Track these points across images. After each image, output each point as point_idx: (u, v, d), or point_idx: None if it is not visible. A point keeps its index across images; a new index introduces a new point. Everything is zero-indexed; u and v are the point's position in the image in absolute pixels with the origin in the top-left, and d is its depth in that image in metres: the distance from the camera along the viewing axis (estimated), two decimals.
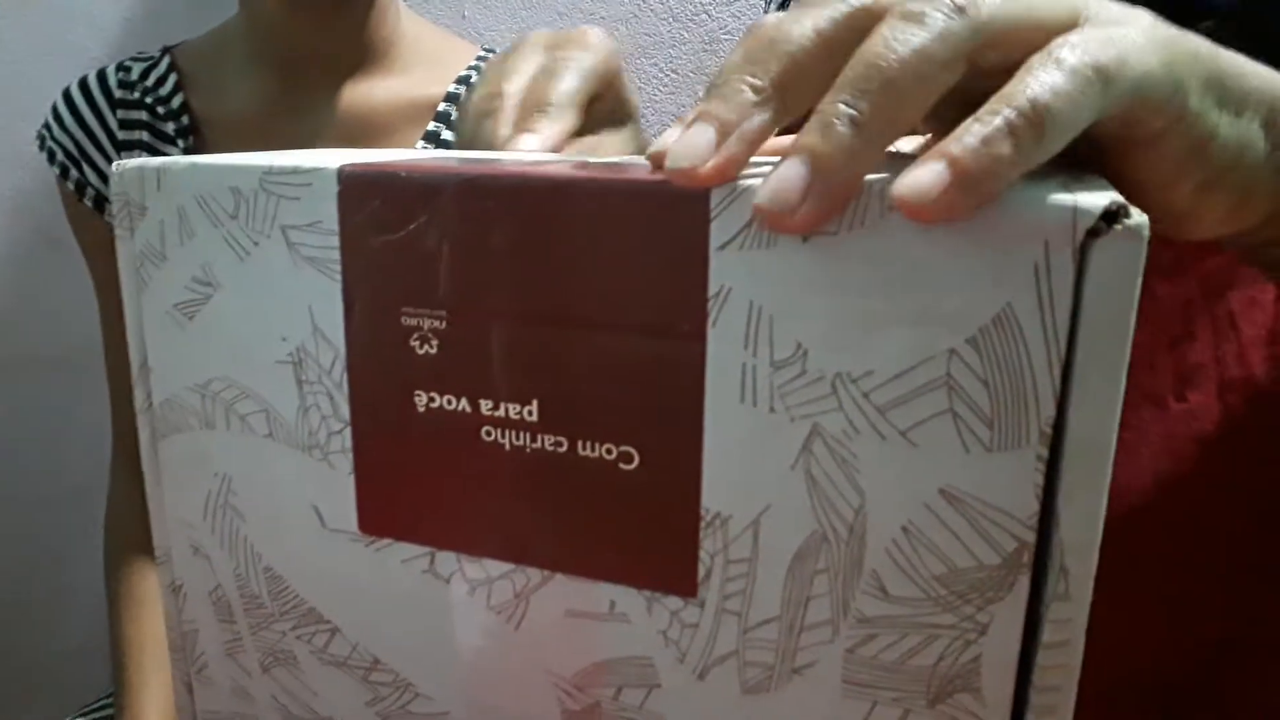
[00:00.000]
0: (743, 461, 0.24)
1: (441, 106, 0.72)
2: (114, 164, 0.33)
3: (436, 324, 0.27)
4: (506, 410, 0.26)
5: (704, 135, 0.23)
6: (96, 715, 0.82)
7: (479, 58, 0.74)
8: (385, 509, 0.30)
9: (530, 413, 0.26)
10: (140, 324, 0.32)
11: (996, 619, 0.22)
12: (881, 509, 0.23)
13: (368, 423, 0.29)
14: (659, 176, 0.24)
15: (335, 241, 0.28)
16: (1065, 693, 0.22)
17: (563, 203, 0.25)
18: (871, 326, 0.22)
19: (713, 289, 0.23)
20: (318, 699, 0.30)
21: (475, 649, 0.29)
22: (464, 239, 0.26)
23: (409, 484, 0.29)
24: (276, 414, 0.30)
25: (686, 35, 0.83)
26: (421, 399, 0.28)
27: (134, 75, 0.74)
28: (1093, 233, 0.19)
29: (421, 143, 0.71)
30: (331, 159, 0.30)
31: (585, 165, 0.29)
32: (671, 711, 0.27)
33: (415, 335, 0.28)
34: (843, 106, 0.21)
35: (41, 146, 0.76)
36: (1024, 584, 0.22)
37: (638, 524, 0.26)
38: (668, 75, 0.83)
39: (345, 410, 0.29)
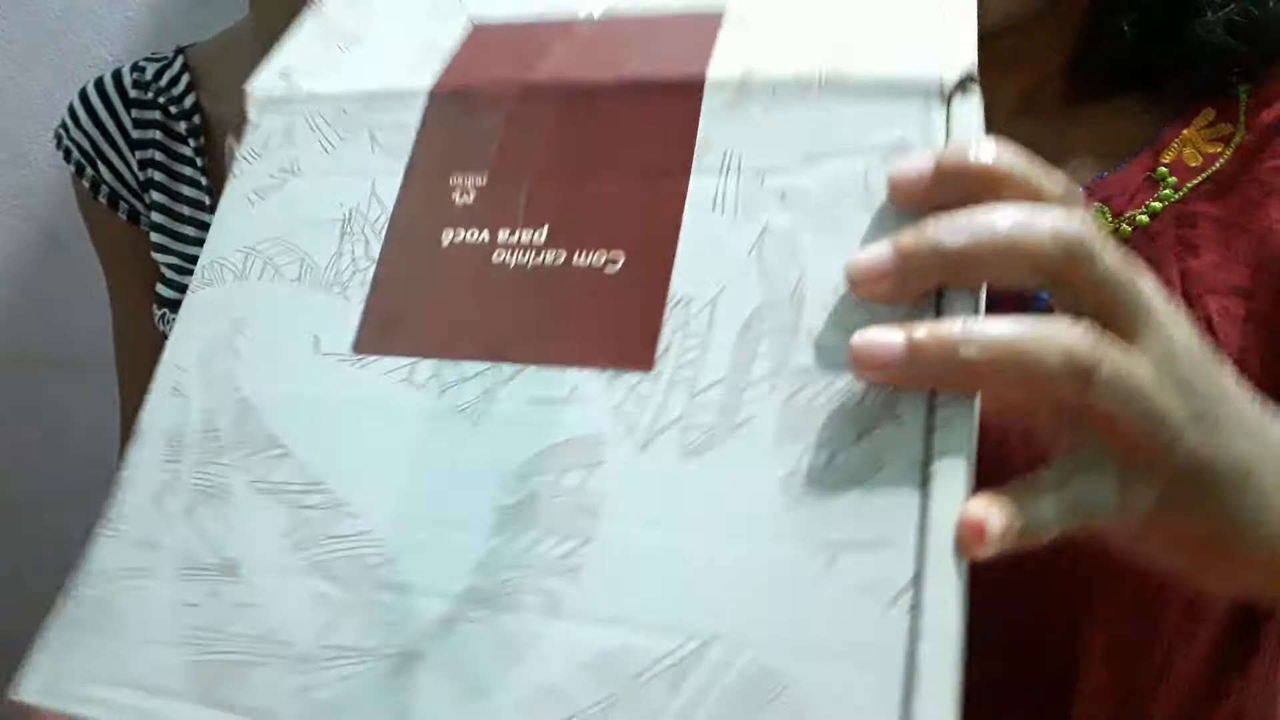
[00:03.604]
0: (708, 255, 0.30)
1: None
2: (248, 87, 0.39)
3: (478, 181, 0.34)
4: (520, 235, 0.32)
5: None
6: None
7: None
8: (383, 328, 0.32)
9: (540, 235, 0.32)
10: (220, 212, 0.37)
11: None
12: (817, 278, 0.28)
13: (393, 256, 0.34)
14: (669, 25, 0.35)
15: (413, 135, 0.36)
16: (964, 409, 0.25)
17: (594, 100, 0.34)
18: (811, 160, 0.30)
19: (698, 142, 0.32)
20: (231, 538, 0.30)
21: (426, 452, 0.30)
22: (515, 129, 0.35)
23: (412, 306, 0.33)
24: (311, 261, 0.34)
25: None
26: (448, 235, 0.33)
27: (148, 75, 0.75)
28: (958, 88, 0.30)
29: None
30: (421, 68, 0.37)
31: (613, 32, 0.37)
32: (608, 487, 0.27)
33: (457, 190, 0.34)
34: (945, 235, 0.26)
35: (58, 145, 0.77)
36: (930, 315, 0.27)
37: (612, 313, 0.30)
38: None
39: (376, 249, 0.34)
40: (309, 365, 0.33)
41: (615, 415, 0.29)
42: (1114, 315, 0.27)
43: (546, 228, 0.32)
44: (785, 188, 0.30)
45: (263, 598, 0.29)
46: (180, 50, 0.77)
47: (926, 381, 0.25)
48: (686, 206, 0.31)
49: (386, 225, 0.34)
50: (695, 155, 0.31)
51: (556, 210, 0.32)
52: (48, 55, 0.96)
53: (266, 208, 0.37)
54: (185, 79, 0.75)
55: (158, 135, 0.74)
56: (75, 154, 0.76)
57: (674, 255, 0.30)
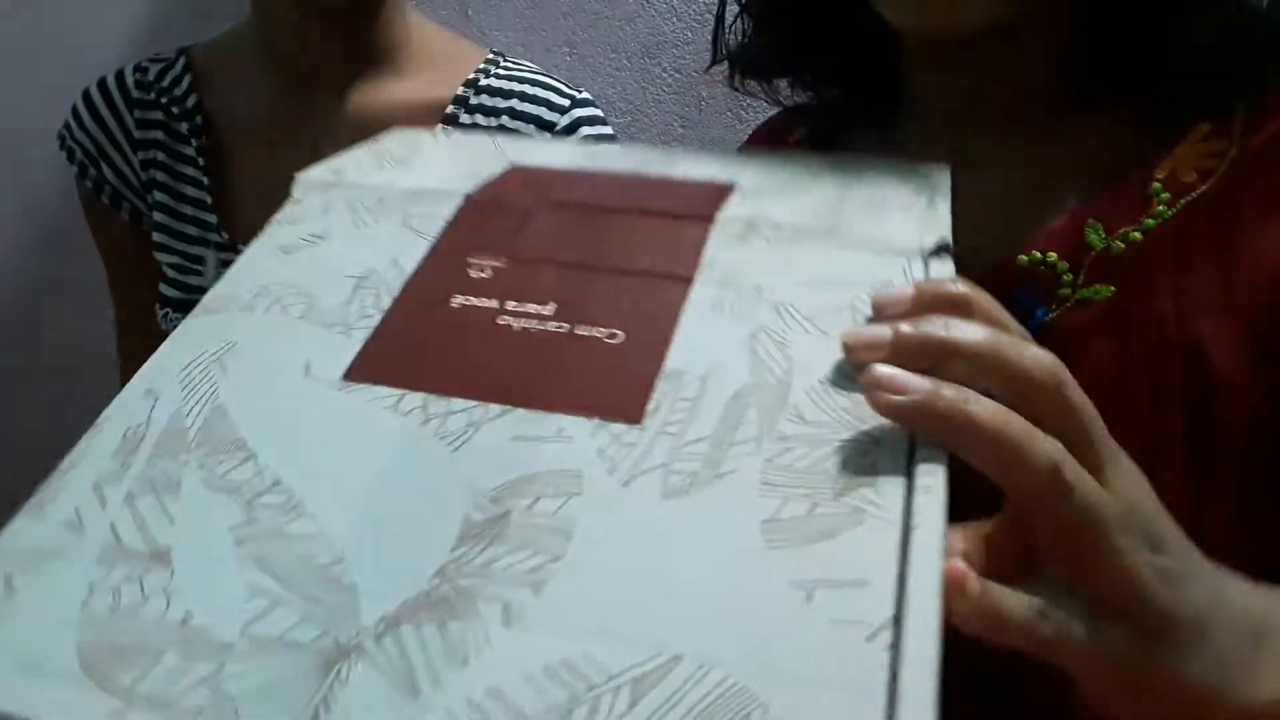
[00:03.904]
0: (704, 341, 0.32)
1: (449, 109, 0.73)
2: (299, 178, 0.43)
3: (496, 263, 0.37)
4: (528, 307, 0.34)
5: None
6: None
7: (487, 60, 0.75)
8: (377, 361, 0.33)
9: (547, 309, 0.34)
10: (242, 260, 0.39)
11: (890, 435, 0.29)
12: (804, 370, 0.31)
13: (402, 309, 0.35)
14: (688, 185, 0.41)
15: (442, 224, 0.39)
16: (938, 478, 0.27)
17: (612, 218, 0.39)
18: (806, 286, 0.34)
19: (704, 260, 0.36)
20: (170, 528, 0.29)
21: (398, 468, 0.30)
22: (538, 230, 0.38)
23: (411, 348, 0.34)
24: (319, 304, 0.36)
25: (691, 35, 0.85)
26: (459, 299, 0.35)
27: (150, 76, 0.75)
28: (932, 254, 0.35)
29: None
30: (459, 177, 0.42)
31: (638, 182, 0.42)
32: (585, 515, 0.28)
33: (474, 267, 0.37)
34: (937, 328, 0.29)
35: (62, 145, 0.77)
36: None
37: (607, 374, 0.32)
38: (671, 75, 0.85)
39: (386, 303, 0.36)
40: (295, 385, 0.33)
41: (599, 455, 0.29)
42: (1081, 448, 0.28)
43: (554, 304, 0.34)
44: (780, 302, 0.34)
45: (188, 584, 0.28)
46: (182, 51, 0.77)
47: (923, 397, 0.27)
48: (687, 304, 0.34)
49: (401, 286, 0.36)
50: (700, 270, 0.35)
51: (566, 292, 0.35)
52: (48, 55, 0.96)
53: (288, 261, 0.38)
54: (187, 79, 0.75)
55: (160, 135, 0.74)
56: (78, 154, 0.76)
57: (671, 338, 0.33)
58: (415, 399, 0.32)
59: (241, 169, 0.74)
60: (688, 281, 0.35)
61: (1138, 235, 0.44)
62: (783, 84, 0.59)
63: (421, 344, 0.34)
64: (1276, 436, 0.41)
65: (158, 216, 0.75)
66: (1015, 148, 0.49)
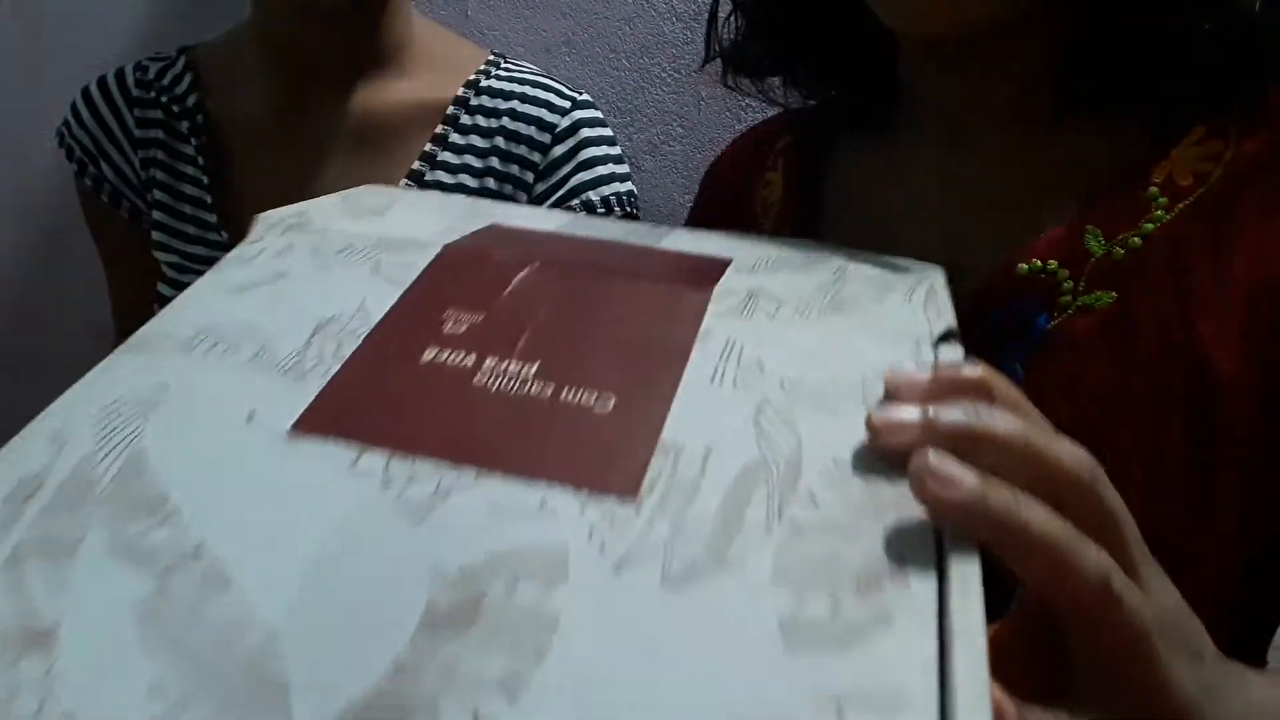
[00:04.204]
0: (704, 413, 0.29)
1: (450, 110, 0.73)
2: (260, 218, 0.39)
3: (473, 318, 0.33)
4: (508, 365, 0.31)
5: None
6: None
7: (488, 62, 0.76)
8: (332, 412, 0.29)
9: (530, 369, 0.31)
10: (185, 295, 0.34)
11: (915, 525, 0.25)
12: (815, 449, 0.28)
13: (365, 359, 0.31)
14: (682, 256, 0.38)
15: (416, 273, 0.35)
16: (974, 578, 0.24)
17: (606, 280, 0.35)
18: (811, 362, 0.31)
19: (702, 329, 0.33)
20: (57, 601, 0.24)
21: (350, 541, 0.25)
22: (523, 288, 0.34)
23: (372, 400, 0.29)
24: (271, 347, 0.32)
25: (689, 35, 0.85)
26: (430, 353, 0.31)
27: (150, 75, 0.75)
28: (941, 339, 0.33)
29: (430, 145, 0.73)
30: (438, 231, 0.38)
31: (628, 250, 0.39)
32: (570, 608, 0.23)
33: (449, 320, 0.33)
34: (969, 415, 0.27)
35: (61, 143, 0.77)
36: None
37: (598, 442, 0.28)
38: (671, 75, 0.85)
39: (348, 351, 0.31)
40: (234, 435, 0.28)
41: (588, 534, 0.25)
42: (1117, 550, 0.27)
43: (538, 363, 0.31)
44: (784, 377, 0.30)
45: (73, 675, 0.22)
46: (183, 50, 0.77)
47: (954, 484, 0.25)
48: (685, 374, 0.30)
49: (366, 334, 0.32)
50: (698, 339, 0.32)
51: (551, 352, 0.31)
52: (48, 55, 0.96)
53: (239, 299, 0.34)
54: (188, 78, 0.75)
55: (160, 134, 0.75)
56: (77, 152, 0.76)
57: (669, 408, 0.29)
58: (375, 458, 0.27)
59: (242, 168, 0.74)
60: (685, 349, 0.31)
61: (1137, 240, 0.44)
62: (775, 83, 0.58)
63: (385, 396, 0.30)
64: (1278, 439, 0.41)
65: (157, 215, 0.75)
66: (1012, 150, 0.48)
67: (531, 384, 0.30)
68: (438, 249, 0.36)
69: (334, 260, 0.36)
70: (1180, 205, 0.43)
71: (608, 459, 0.27)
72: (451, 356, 0.31)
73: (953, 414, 0.27)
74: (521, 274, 0.35)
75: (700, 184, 0.65)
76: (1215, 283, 0.42)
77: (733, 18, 0.56)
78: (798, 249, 0.40)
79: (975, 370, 0.29)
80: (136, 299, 0.78)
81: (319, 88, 0.72)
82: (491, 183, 0.73)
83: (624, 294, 0.34)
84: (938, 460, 0.25)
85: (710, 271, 0.37)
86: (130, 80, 0.76)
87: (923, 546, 0.25)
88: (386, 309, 0.33)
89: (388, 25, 0.72)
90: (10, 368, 1.06)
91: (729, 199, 0.61)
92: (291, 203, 0.71)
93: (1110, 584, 0.26)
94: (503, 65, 0.75)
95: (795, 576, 0.24)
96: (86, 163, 0.76)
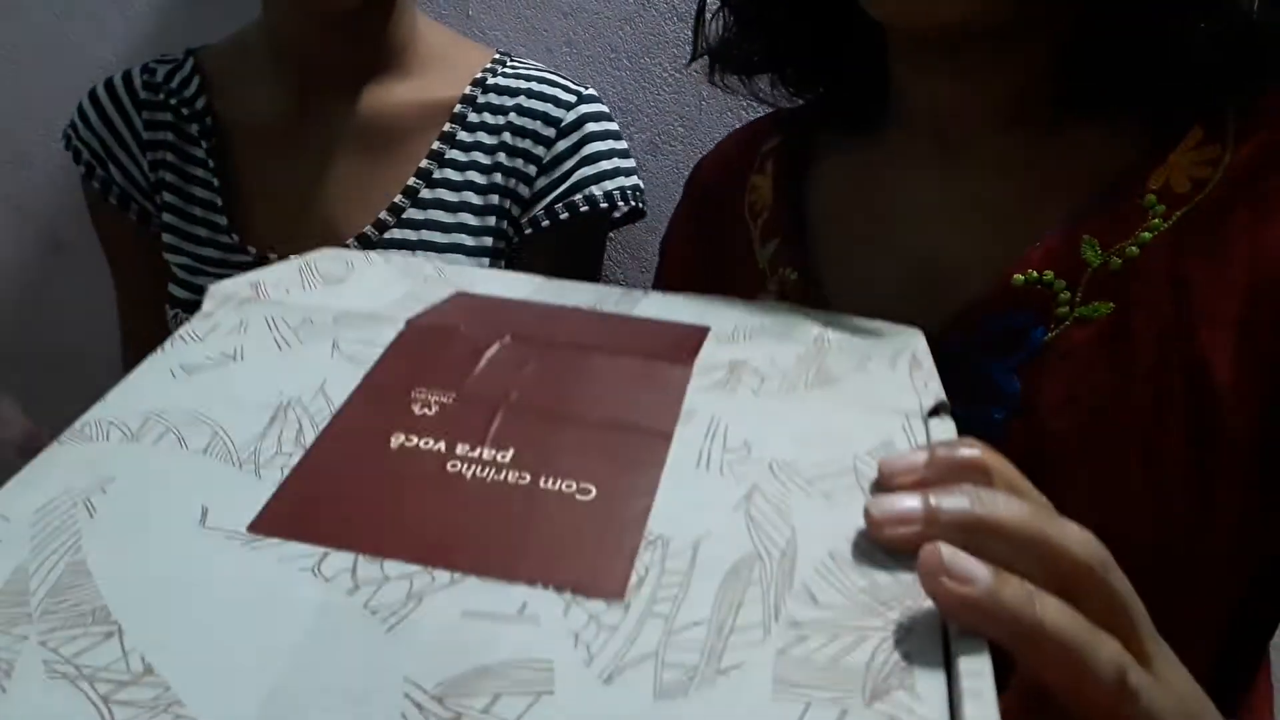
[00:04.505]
0: (690, 502, 0.28)
1: (457, 108, 0.74)
2: (211, 286, 0.37)
3: (443, 399, 0.31)
4: (482, 452, 0.29)
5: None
6: None
7: (494, 60, 0.77)
8: (294, 510, 0.27)
9: (505, 456, 0.29)
10: (131, 378, 0.33)
11: (919, 620, 0.24)
12: (810, 540, 0.26)
13: (329, 447, 0.29)
14: (658, 325, 0.37)
15: (379, 352, 0.33)
16: (985, 677, 0.23)
17: (580, 357, 0.34)
18: (800, 442, 0.30)
19: (684, 410, 0.31)
20: None
21: (316, 649, 0.23)
22: (493, 365, 0.33)
23: (336, 495, 0.27)
24: (225, 436, 0.30)
25: (690, 35, 0.85)
26: (399, 439, 0.29)
27: (159, 77, 0.76)
28: (932, 413, 0.32)
29: (438, 143, 0.73)
30: (399, 300, 0.37)
31: (600, 319, 0.38)
32: None
33: (418, 403, 0.31)
34: (975, 504, 0.26)
35: (67, 145, 0.77)
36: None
37: (580, 536, 0.26)
38: (671, 75, 0.86)
39: (309, 439, 0.29)
40: (185, 538, 0.26)
41: (573, 642, 0.23)
42: (1129, 637, 0.27)
43: (513, 451, 0.29)
44: (773, 460, 0.29)
45: None
46: (190, 52, 0.77)
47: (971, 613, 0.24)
48: (669, 458, 0.29)
49: (328, 420, 0.30)
50: (681, 419, 0.31)
51: (526, 438, 0.29)
52: (48, 55, 0.96)
53: (191, 382, 0.32)
54: (196, 80, 0.75)
55: (169, 136, 0.75)
56: (85, 154, 0.76)
57: (653, 498, 0.28)
58: (341, 560, 0.25)
59: (251, 170, 0.74)
60: (668, 431, 0.30)
61: (1134, 250, 0.43)
62: (764, 83, 0.57)
63: (351, 491, 0.28)
64: (1278, 445, 0.41)
65: (167, 217, 0.75)
66: (1005, 154, 0.48)
67: (507, 472, 0.28)
68: (401, 324, 0.35)
69: (291, 337, 0.34)
70: (1178, 214, 0.43)
71: (591, 556, 0.26)
72: (422, 442, 0.29)
73: (956, 502, 0.26)
74: (491, 350, 0.33)
75: (685, 186, 0.65)
76: (1213, 290, 0.42)
77: (721, 14, 0.56)
78: (773, 314, 0.40)
79: (972, 450, 0.28)
80: (144, 302, 0.78)
81: (328, 88, 0.73)
82: (499, 178, 0.74)
83: (601, 371, 0.33)
84: (951, 556, 0.24)
85: (689, 343, 0.35)
86: (138, 82, 0.76)
87: (930, 645, 0.24)
88: (349, 391, 0.31)
89: (395, 26, 0.73)
90: (10, 367, 1.06)
91: (714, 202, 0.61)
92: (302, 203, 0.72)
93: (1127, 680, 0.25)
94: (509, 64, 0.76)
95: (798, 683, 0.23)
96: (94, 165, 0.76)
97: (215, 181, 0.74)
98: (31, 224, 1.02)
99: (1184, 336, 0.42)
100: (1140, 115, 0.45)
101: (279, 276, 0.39)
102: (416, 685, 0.22)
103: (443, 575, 0.25)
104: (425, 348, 0.34)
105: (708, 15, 0.56)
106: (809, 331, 0.38)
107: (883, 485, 0.28)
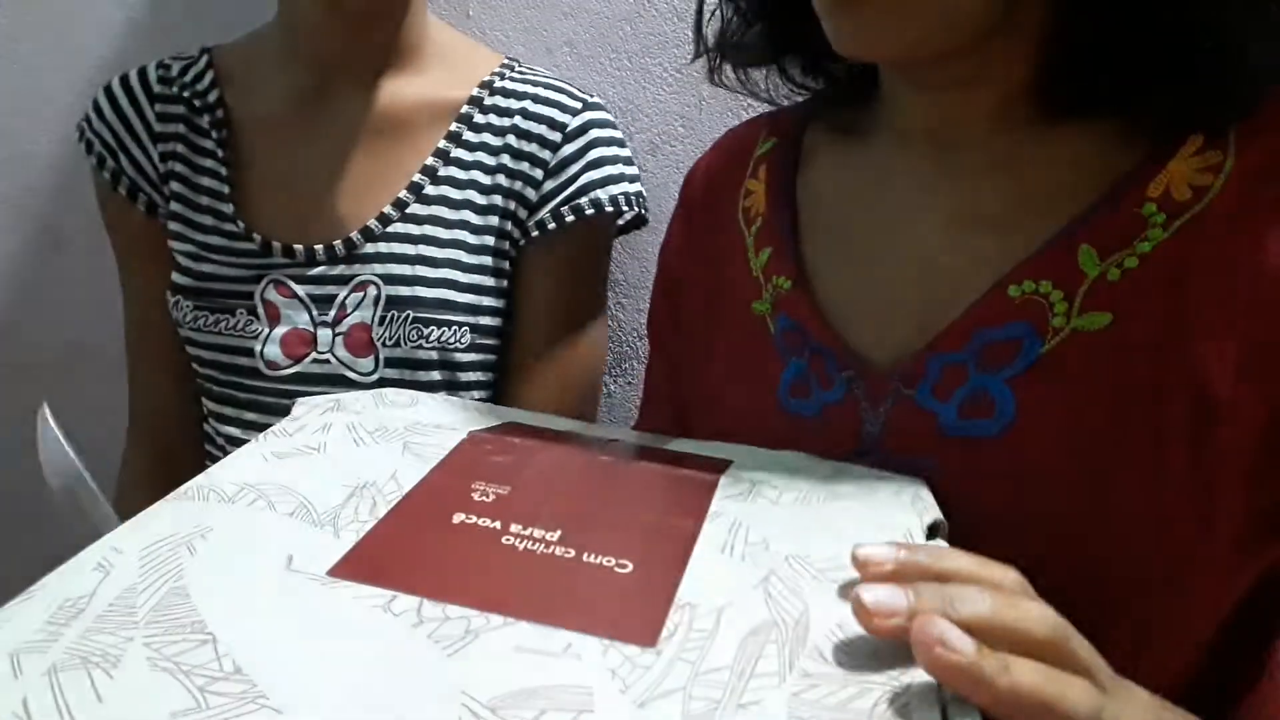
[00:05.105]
0: (716, 579, 0.32)
1: (465, 108, 0.76)
2: (299, 401, 0.44)
3: (500, 491, 0.37)
4: (533, 530, 0.34)
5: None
6: None
7: (503, 65, 0.78)
8: (369, 560, 0.31)
9: (553, 534, 0.34)
10: (228, 459, 0.38)
11: (918, 681, 0.28)
12: (821, 612, 0.31)
13: (399, 519, 0.34)
14: (688, 455, 0.43)
15: (444, 452, 0.39)
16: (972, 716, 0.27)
17: (619, 466, 0.40)
18: (815, 543, 0.34)
19: (711, 511, 0.36)
20: (97, 708, 0.25)
21: (384, 665, 0.27)
22: (544, 466, 0.39)
23: (406, 553, 0.32)
24: (310, 505, 0.35)
25: (691, 35, 0.86)
26: (460, 516, 0.35)
27: (173, 72, 0.77)
28: (929, 532, 0.36)
29: (444, 141, 0.74)
30: (461, 420, 0.43)
31: (637, 445, 0.44)
32: None
33: (477, 491, 0.36)
34: (957, 601, 0.30)
35: (81, 137, 0.78)
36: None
37: (619, 598, 0.31)
38: (672, 75, 0.86)
39: (382, 512, 0.34)
40: (272, 576, 0.30)
41: (610, 675, 0.27)
42: (1095, 681, 0.31)
43: (560, 531, 0.34)
44: (790, 554, 0.34)
45: None
46: (205, 50, 0.79)
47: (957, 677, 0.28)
48: (696, 546, 0.34)
49: (399, 498, 0.36)
50: (707, 519, 0.36)
51: (573, 522, 0.35)
52: (48, 55, 0.96)
53: (281, 465, 0.37)
54: (210, 75, 0.77)
55: (180, 128, 0.76)
56: (97, 146, 0.77)
57: (683, 573, 0.32)
58: (408, 601, 0.29)
59: (259, 161, 0.75)
60: (696, 526, 0.35)
61: (1133, 261, 0.42)
62: (761, 80, 0.57)
63: (418, 549, 0.33)
64: (1278, 457, 0.40)
65: (174, 206, 0.76)
66: (998, 160, 0.47)
67: (555, 547, 0.33)
68: (463, 434, 0.41)
69: (368, 438, 0.41)
70: (1179, 223, 0.41)
71: (628, 611, 0.30)
72: (480, 520, 0.34)
73: (932, 600, 0.30)
74: (542, 455, 0.40)
75: (680, 194, 0.65)
76: (1214, 301, 0.40)
77: (720, 10, 0.56)
78: (790, 460, 0.45)
79: (940, 554, 0.32)
80: (150, 293, 0.79)
81: (339, 84, 0.74)
82: (503, 179, 0.75)
83: (638, 477, 0.39)
84: (942, 625, 0.28)
85: (714, 466, 0.41)
86: (153, 76, 0.77)
87: (928, 703, 0.27)
88: (418, 479, 0.37)
89: (408, 26, 0.75)
90: (10, 367, 1.06)
91: (708, 208, 0.61)
92: (308, 194, 0.75)
93: (1102, 715, 0.30)
94: (517, 69, 0.78)
95: (810, 718, 0.26)
96: (106, 156, 0.77)
97: (223, 171, 0.75)
98: (31, 224, 1.02)
99: (1183, 349, 0.41)
100: (1136, 120, 0.44)
101: (356, 398, 0.46)
102: (473, 698, 0.25)
103: (497, 619, 0.29)
104: (485, 452, 0.40)
105: (707, 15, 0.57)
106: (823, 469, 0.43)
107: (860, 571, 0.31)
